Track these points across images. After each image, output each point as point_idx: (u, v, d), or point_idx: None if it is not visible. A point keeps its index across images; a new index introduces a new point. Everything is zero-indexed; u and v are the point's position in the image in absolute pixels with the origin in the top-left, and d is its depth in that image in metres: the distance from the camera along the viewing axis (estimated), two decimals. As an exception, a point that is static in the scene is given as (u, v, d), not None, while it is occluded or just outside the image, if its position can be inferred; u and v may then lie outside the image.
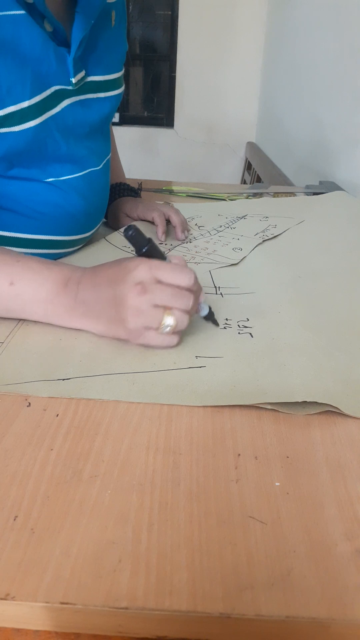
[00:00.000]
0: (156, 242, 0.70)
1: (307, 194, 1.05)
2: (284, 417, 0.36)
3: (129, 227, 0.41)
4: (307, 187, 1.11)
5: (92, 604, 0.24)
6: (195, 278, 0.42)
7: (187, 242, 0.70)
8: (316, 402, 0.37)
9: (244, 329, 0.47)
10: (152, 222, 0.72)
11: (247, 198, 0.99)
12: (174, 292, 0.41)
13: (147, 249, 0.42)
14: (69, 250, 0.63)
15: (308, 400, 0.37)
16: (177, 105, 3.08)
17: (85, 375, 0.39)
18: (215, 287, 0.56)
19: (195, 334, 0.46)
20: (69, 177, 0.57)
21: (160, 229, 0.70)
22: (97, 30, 0.55)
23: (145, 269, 0.40)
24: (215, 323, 0.47)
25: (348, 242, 0.72)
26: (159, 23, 2.97)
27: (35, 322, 0.46)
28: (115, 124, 3.11)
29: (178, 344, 0.43)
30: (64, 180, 0.57)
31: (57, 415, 0.36)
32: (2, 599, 0.24)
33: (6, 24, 0.45)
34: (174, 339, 0.43)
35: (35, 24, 0.47)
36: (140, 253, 0.42)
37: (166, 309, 0.41)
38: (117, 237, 0.69)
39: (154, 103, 3.19)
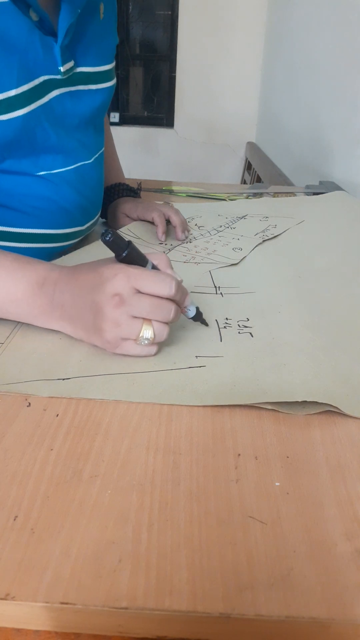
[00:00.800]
0: (155, 241, 0.70)
1: (307, 194, 1.04)
2: (284, 417, 0.36)
3: (106, 232, 0.38)
4: (307, 187, 1.11)
5: (92, 604, 0.24)
6: (177, 285, 0.40)
7: (187, 242, 0.70)
8: (316, 402, 0.37)
9: (244, 328, 0.47)
10: (152, 223, 0.72)
11: (247, 198, 0.99)
12: (153, 304, 0.39)
13: (127, 253, 0.40)
14: (64, 244, 0.63)
15: (308, 400, 0.37)
16: (177, 105, 3.08)
17: (85, 375, 0.39)
18: (215, 287, 0.56)
19: (195, 334, 0.46)
20: (61, 170, 0.58)
21: (160, 229, 0.70)
22: (84, 21, 0.55)
23: (123, 279, 0.39)
24: (204, 323, 0.46)
25: (348, 242, 0.72)
26: (159, 23, 2.97)
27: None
28: (115, 124, 3.11)
29: (157, 353, 0.42)
30: (55, 173, 0.57)
31: (57, 415, 0.36)
32: (2, 599, 0.24)
33: None
34: (153, 349, 0.41)
35: (20, 12, 0.47)
36: (120, 258, 0.40)
37: (145, 320, 0.40)
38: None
39: (154, 103, 3.19)
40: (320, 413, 0.37)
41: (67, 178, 0.58)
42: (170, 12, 2.90)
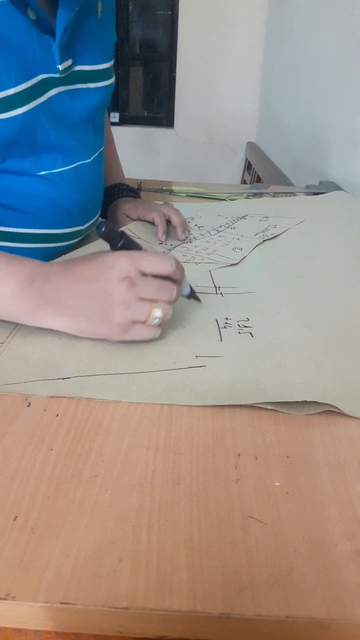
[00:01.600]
0: (155, 241, 0.70)
1: (307, 194, 1.04)
2: (284, 417, 0.36)
3: (101, 225, 0.40)
4: (307, 187, 1.11)
5: (92, 604, 0.24)
6: (177, 263, 0.42)
7: (187, 242, 0.70)
8: (316, 402, 0.37)
9: (244, 328, 0.47)
10: (152, 223, 0.72)
11: (247, 198, 0.99)
12: (159, 285, 0.41)
13: (122, 243, 0.42)
14: (64, 244, 0.63)
15: (308, 400, 0.37)
16: (177, 105, 3.08)
17: (85, 375, 0.39)
18: (215, 286, 0.56)
19: (195, 334, 0.46)
20: (60, 169, 0.58)
21: (161, 229, 0.70)
22: (82, 19, 0.55)
23: (127, 262, 0.40)
24: (197, 299, 0.48)
25: (348, 242, 0.72)
26: (159, 23, 2.97)
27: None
28: (115, 124, 3.11)
29: (160, 336, 0.43)
30: (55, 172, 0.57)
31: (57, 415, 0.36)
32: (2, 599, 0.24)
33: None
34: (158, 331, 0.43)
35: (17, 11, 0.47)
36: (115, 248, 0.42)
37: (152, 301, 0.41)
38: None
39: (154, 103, 3.19)
40: (320, 413, 0.37)
41: (67, 177, 0.58)
42: (170, 12, 2.90)
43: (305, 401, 0.37)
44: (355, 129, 1.26)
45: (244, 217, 0.82)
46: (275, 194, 1.03)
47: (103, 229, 0.41)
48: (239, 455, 0.33)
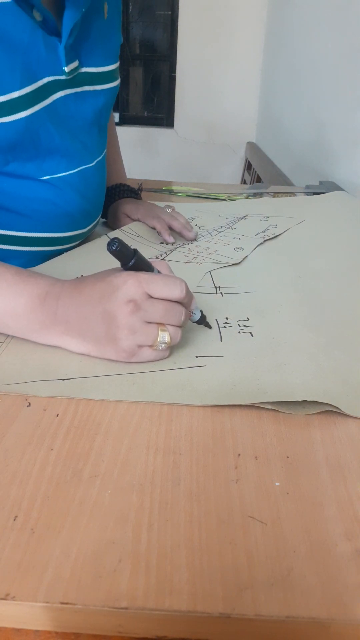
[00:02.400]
0: (156, 240, 0.70)
1: (307, 194, 1.04)
2: (284, 417, 0.36)
3: (112, 241, 0.38)
4: (307, 187, 1.11)
5: (92, 604, 0.24)
6: (187, 288, 0.40)
7: (188, 243, 0.70)
8: (316, 402, 0.37)
9: (244, 328, 0.47)
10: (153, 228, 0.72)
11: (247, 198, 0.99)
12: (167, 308, 0.39)
13: (134, 262, 0.40)
14: (65, 247, 0.62)
15: (308, 399, 0.37)
16: (177, 105, 3.08)
17: (85, 375, 0.39)
18: (215, 286, 0.56)
19: (195, 334, 0.46)
20: (64, 174, 0.57)
21: (165, 233, 0.70)
22: (89, 21, 0.55)
23: (135, 284, 0.38)
24: (208, 326, 0.46)
25: (348, 242, 0.72)
26: (159, 23, 2.97)
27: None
28: (115, 124, 3.11)
29: (169, 356, 0.42)
30: (58, 177, 0.57)
31: (57, 415, 0.36)
32: (2, 599, 0.24)
33: None
34: (167, 353, 0.42)
35: (23, 12, 0.46)
36: (126, 267, 0.40)
37: (159, 325, 0.39)
38: (119, 234, 0.69)
39: (154, 103, 3.19)
40: (320, 413, 0.37)
41: (71, 182, 0.58)
42: (170, 12, 2.90)
43: (305, 401, 0.37)
44: (356, 129, 1.26)
45: (244, 217, 0.82)
46: (275, 194, 1.03)
47: (115, 246, 0.38)
48: (239, 455, 0.33)
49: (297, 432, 0.35)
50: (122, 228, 0.71)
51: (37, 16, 0.48)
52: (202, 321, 0.45)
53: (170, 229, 0.71)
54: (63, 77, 0.53)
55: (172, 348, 0.43)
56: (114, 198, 0.77)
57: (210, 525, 0.28)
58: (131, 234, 0.70)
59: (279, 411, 0.37)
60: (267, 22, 2.69)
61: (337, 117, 1.42)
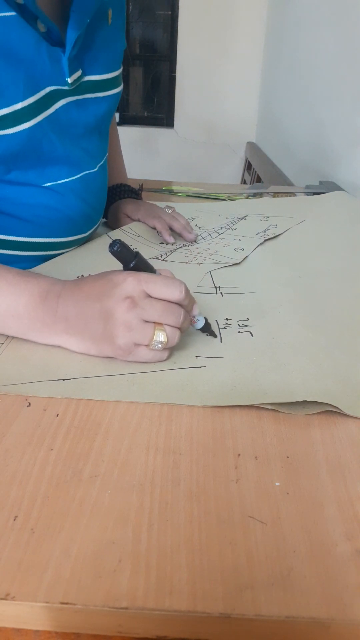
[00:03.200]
0: (157, 240, 0.70)
1: (307, 194, 1.04)
2: (284, 417, 0.36)
3: (114, 243, 0.39)
4: (307, 187, 1.11)
5: (92, 604, 0.24)
6: (187, 291, 0.40)
7: (188, 244, 0.70)
8: (316, 402, 0.37)
9: (244, 328, 0.47)
10: (154, 228, 0.72)
11: (247, 198, 0.99)
12: (164, 308, 0.39)
13: (134, 264, 0.40)
14: (65, 251, 0.62)
15: (308, 400, 0.37)
16: (177, 105, 3.08)
17: (85, 375, 0.39)
18: (216, 286, 0.56)
19: (195, 334, 0.46)
20: (66, 180, 0.57)
21: (165, 233, 0.70)
22: (93, 29, 0.55)
23: (134, 282, 0.39)
24: (213, 335, 0.45)
25: (348, 242, 0.72)
26: (159, 23, 2.97)
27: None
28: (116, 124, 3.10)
29: (168, 358, 0.42)
30: (61, 183, 0.57)
31: (57, 415, 0.36)
32: (2, 599, 0.24)
33: None
34: (164, 354, 0.41)
35: (27, 24, 0.46)
36: (128, 268, 0.40)
37: (156, 324, 0.39)
38: (120, 234, 0.69)
39: (154, 103, 3.19)
40: (320, 413, 0.37)
41: (73, 187, 0.58)
42: (170, 12, 2.90)
43: (305, 401, 0.37)
44: (356, 129, 1.26)
45: (244, 217, 0.82)
46: (275, 194, 1.03)
47: (116, 247, 0.39)
48: (239, 455, 0.33)
49: (297, 432, 0.35)
50: (122, 228, 0.71)
51: (41, 27, 0.48)
52: (207, 329, 0.44)
53: (171, 229, 0.71)
54: (66, 88, 0.53)
55: (172, 349, 0.43)
56: (115, 198, 0.77)
57: (210, 525, 0.28)
58: (131, 234, 0.70)
59: (279, 411, 0.37)
60: (267, 22, 2.69)
61: (337, 117, 1.42)
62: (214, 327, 0.47)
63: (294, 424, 0.36)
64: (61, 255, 0.61)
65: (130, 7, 2.93)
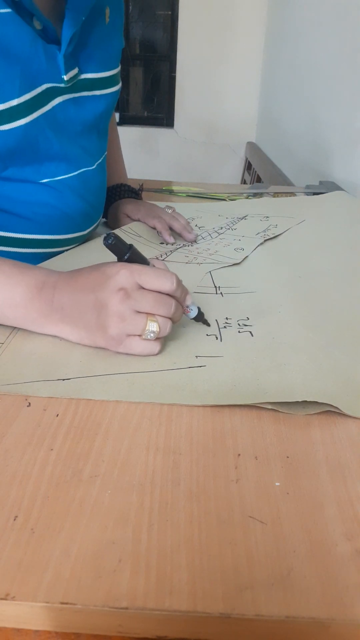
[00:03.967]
0: (157, 240, 0.70)
1: (307, 194, 1.04)
2: (284, 417, 0.36)
3: (108, 235, 0.40)
4: (307, 187, 1.11)
5: (92, 604, 0.24)
6: (178, 282, 0.41)
7: (188, 244, 0.70)
8: (316, 402, 0.37)
9: (244, 327, 0.47)
10: (154, 228, 0.72)
11: (247, 198, 0.99)
12: (157, 299, 0.40)
13: (128, 256, 0.41)
14: (64, 249, 0.63)
15: (308, 399, 0.37)
16: (177, 105, 3.08)
17: (85, 375, 0.39)
18: (215, 286, 0.56)
19: (195, 334, 0.46)
20: (64, 177, 0.57)
21: (165, 233, 0.70)
22: (89, 26, 0.55)
23: (126, 274, 0.40)
24: (206, 323, 0.47)
25: (348, 242, 0.72)
26: (159, 23, 2.97)
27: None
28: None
29: (160, 352, 0.42)
30: (58, 180, 0.57)
31: (57, 415, 0.36)
32: (2, 599, 0.24)
33: None
34: (156, 346, 0.42)
35: (23, 22, 0.47)
36: (122, 260, 0.42)
37: (148, 315, 0.40)
38: (120, 234, 0.69)
39: (154, 103, 3.19)
40: (320, 413, 0.37)
41: (71, 184, 0.58)
42: (170, 12, 2.90)
43: (305, 401, 0.37)
44: (355, 129, 1.26)
45: (244, 217, 0.82)
46: (275, 194, 1.03)
47: (110, 240, 0.40)
48: (239, 455, 0.33)
49: (297, 432, 0.35)
50: (122, 228, 0.71)
51: (37, 25, 0.48)
52: (200, 318, 0.46)
53: (171, 229, 0.71)
54: (62, 85, 0.53)
55: (172, 348, 0.43)
56: (115, 198, 0.77)
57: (210, 525, 0.28)
58: (131, 234, 0.70)
59: (279, 411, 0.37)
60: (267, 22, 2.69)
61: (336, 117, 1.42)
62: (214, 327, 0.47)
63: (294, 424, 0.36)
64: (60, 255, 0.62)
65: (130, 7, 2.93)
